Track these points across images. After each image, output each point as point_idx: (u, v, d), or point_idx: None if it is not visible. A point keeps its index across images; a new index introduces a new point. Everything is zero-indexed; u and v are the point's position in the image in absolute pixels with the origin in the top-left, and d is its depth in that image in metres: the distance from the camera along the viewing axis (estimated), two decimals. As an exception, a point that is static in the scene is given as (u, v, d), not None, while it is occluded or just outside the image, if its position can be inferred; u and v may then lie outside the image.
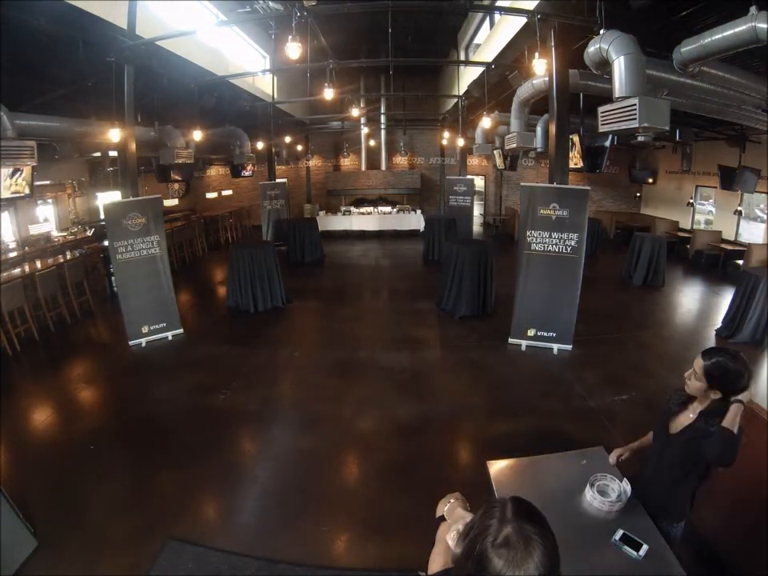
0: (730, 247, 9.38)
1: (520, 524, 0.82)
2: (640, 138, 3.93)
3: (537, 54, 4.78)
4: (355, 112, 9.39)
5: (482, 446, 3.66)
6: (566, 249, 5.09)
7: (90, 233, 9.96)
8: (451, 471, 3.41)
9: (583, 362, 5.12)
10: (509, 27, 6.00)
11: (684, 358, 5.30)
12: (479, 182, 15.24)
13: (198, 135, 7.58)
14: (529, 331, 5.41)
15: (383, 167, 15.04)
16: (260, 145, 11.11)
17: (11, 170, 5.11)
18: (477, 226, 14.20)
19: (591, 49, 3.91)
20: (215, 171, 15.14)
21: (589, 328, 5.83)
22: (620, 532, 1.71)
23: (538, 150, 7.16)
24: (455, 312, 6.48)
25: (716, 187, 9.40)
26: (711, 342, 5.72)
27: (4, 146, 4.65)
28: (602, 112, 3.82)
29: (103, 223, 7.58)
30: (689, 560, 2.11)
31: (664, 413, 1.91)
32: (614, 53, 3.62)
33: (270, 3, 7.26)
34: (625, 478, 1.93)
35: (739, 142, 8.79)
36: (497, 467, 2.14)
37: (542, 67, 4.85)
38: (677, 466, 1.79)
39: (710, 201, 10.96)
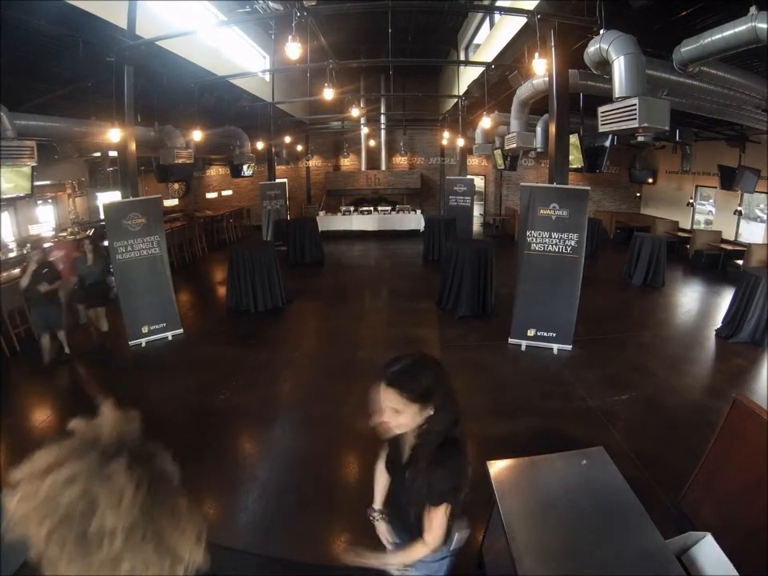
0: (730, 247, 9.38)
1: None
2: (640, 138, 3.93)
3: (537, 54, 4.79)
4: (355, 112, 9.39)
5: (482, 445, 3.65)
6: (566, 249, 5.09)
7: (90, 233, 9.96)
8: (451, 471, 3.41)
9: (583, 362, 5.12)
10: (509, 27, 6.01)
11: (684, 358, 5.31)
12: (479, 182, 15.24)
13: (197, 135, 7.58)
14: (529, 331, 5.41)
15: (383, 167, 15.05)
16: (260, 145, 11.11)
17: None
18: (477, 226, 14.21)
19: (591, 49, 3.92)
20: (215, 171, 15.15)
21: (589, 328, 5.84)
22: None
23: (538, 149, 7.16)
24: (455, 312, 6.48)
25: (716, 187, 9.40)
26: (711, 341, 5.72)
27: (4, 146, 4.66)
28: (602, 112, 3.82)
29: (103, 223, 7.58)
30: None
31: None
32: (614, 53, 3.62)
33: (270, 3, 7.27)
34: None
35: (739, 142, 8.79)
36: (497, 467, 2.14)
37: (541, 67, 4.85)
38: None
39: (710, 201, 10.97)
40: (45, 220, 9.82)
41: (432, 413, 1.30)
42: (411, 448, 1.40)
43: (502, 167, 9.98)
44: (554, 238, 5.10)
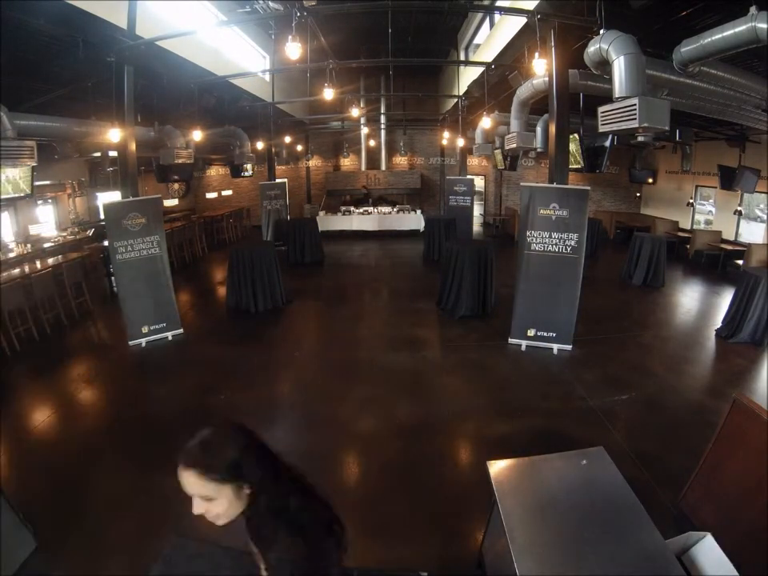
0: (730, 247, 9.38)
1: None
2: (640, 138, 3.93)
3: (537, 54, 4.79)
4: (355, 112, 9.38)
5: (482, 445, 3.66)
6: (566, 249, 5.09)
7: (90, 233, 9.96)
8: (451, 471, 3.41)
9: (583, 362, 5.12)
10: (509, 27, 6.01)
11: (684, 358, 5.31)
12: (479, 182, 15.25)
13: (197, 135, 7.57)
14: (529, 331, 5.41)
15: (383, 167, 15.05)
16: (260, 145, 11.11)
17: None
18: (477, 226, 14.21)
19: (591, 49, 3.91)
20: (215, 171, 15.15)
21: (589, 328, 5.83)
22: None
23: (538, 149, 7.16)
24: (455, 312, 6.48)
25: (716, 187, 9.39)
26: (711, 341, 5.72)
27: (4, 146, 4.66)
28: (602, 112, 3.82)
29: (103, 223, 7.58)
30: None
31: None
32: (614, 53, 3.62)
33: (270, 3, 7.27)
34: None
35: (739, 142, 8.79)
36: (497, 467, 2.14)
37: (541, 67, 4.85)
38: None
39: (710, 201, 10.97)
40: (45, 220, 9.82)
41: (249, 491, 1.06)
42: (250, 539, 1.15)
43: (502, 167, 9.98)
44: (554, 237, 5.10)
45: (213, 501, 1.04)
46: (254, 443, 1.12)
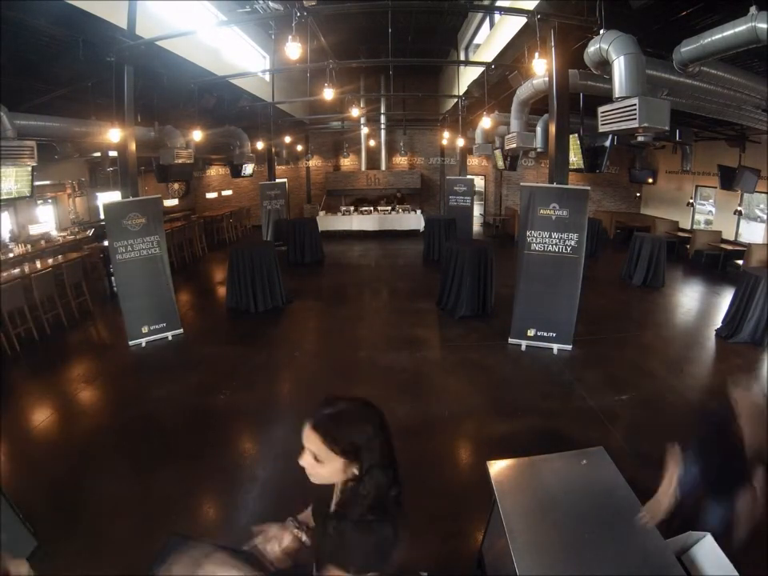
0: (730, 247, 9.38)
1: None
2: (640, 138, 3.93)
3: (537, 54, 4.79)
4: (355, 112, 9.39)
5: (482, 445, 3.66)
6: (566, 249, 5.09)
7: (90, 233, 9.96)
8: (451, 471, 3.41)
9: (583, 362, 5.12)
10: (509, 27, 6.01)
11: (684, 358, 5.32)
12: (479, 182, 15.24)
13: (197, 135, 7.58)
14: (529, 331, 5.41)
15: (383, 167, 15.05)
16: (260, 145, 11.12)
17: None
18: (477, 226, 14.20)
19: (591, 49, 3.91)
20: (215, 171, 15.15)
21: (589, 328, 5.83)
22: None
23: (538, 149, 7.16)
24: (455, 312, 6.48)
25: (716, 187, 9.40)
26: (711, 341, 5.72)
27: (4, 146, 4.66)
28: (602, 112, 3.82)
29: (103, 223, 7.57)
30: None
31: None
32: (614, 53, 3.62)
33: (270, 3, 7.27)
34: None
35: (739, 142, 8.80)
36: (497, 467, 2.14)
37: (541, 67, 4.85)
38: None
39: (710, 201, 10.97)
40: (45, 220, 9.82)
41: (356, 473, 1.10)
42: (335, 504, 1.21)
43: (502, 167, 9.98)
44: (554, 237, 5.10)
45: (320, 463, 1.13)
46: (382, 433, 1.13)
